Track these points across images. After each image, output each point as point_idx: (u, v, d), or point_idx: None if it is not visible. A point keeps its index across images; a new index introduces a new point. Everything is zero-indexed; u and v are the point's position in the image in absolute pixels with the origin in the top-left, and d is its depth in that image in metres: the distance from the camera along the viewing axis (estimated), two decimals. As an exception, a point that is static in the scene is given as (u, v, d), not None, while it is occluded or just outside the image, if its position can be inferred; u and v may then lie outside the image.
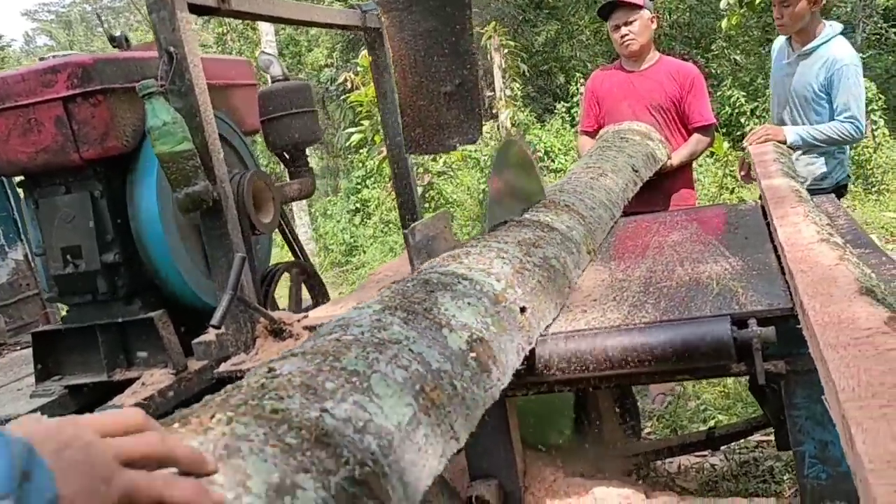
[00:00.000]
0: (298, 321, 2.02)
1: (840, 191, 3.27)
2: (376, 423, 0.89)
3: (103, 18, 32.79)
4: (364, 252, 9.11)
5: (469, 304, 1.28)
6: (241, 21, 12.16)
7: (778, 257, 1.74)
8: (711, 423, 3.40)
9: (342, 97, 10.81)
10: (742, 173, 3.35)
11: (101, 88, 2.24)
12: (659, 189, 3.26)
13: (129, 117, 2.29)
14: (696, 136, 3.41)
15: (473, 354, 1.17)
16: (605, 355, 1.46)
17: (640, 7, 3.24)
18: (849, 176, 3.32)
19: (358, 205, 10.05)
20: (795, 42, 3.19)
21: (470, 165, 9.04)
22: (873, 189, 8.34)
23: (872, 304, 1.19)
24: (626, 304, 1.64)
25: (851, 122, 3.02)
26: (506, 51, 9.96)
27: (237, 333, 2.03)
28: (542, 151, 9.74)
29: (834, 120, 3.06)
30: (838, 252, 1.47)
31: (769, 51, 10.02)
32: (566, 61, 13.85)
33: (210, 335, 2.12)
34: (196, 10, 1.89)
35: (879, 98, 8.90)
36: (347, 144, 9.29)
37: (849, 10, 16.28)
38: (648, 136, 3.22)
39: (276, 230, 2.84)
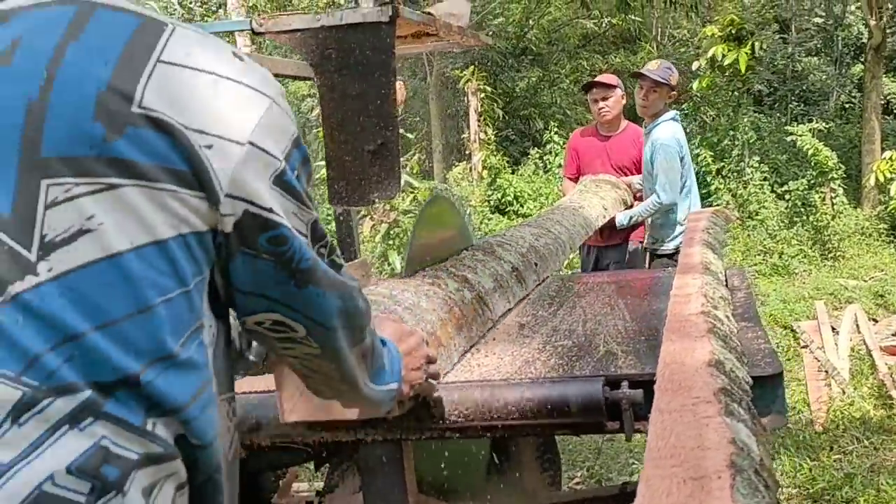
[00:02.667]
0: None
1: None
2: (482, 284, 1.99)
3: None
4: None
5: (510, 253, 2.33)
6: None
7: (670, 324, 1.87)
8: (637, 476, 3.51)
9: (318, 129, 10.97)
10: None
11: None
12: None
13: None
14: None
15: (515, 273, 2.25)
16: (490, 408, 1.57)
17: (614, 87, 4.17)
18: None
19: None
20: (647, 122, 3.96)
21: (440, 205, 9.19)
22: (829, 255, 8.58)
23: (714, 375, 1.31)
24: (521, 358, 1.76)
25: (656, 195, 3.83)
26: (482, 95, 10.19)
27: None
28: (512, 196, 9.93)
29: (648, 198, 3.92)
30: (709, 325, 1.60)
31: (738, 112, 10.33)
32: (546, 107, 14.17)
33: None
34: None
35: (840, 167, 9.19)
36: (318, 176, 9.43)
37: (823, 77, 16.84)
38: (617, 186, 4.09)
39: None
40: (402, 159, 8.53)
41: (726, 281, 2.39)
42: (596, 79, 4.35)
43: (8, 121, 0.66)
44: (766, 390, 1.52)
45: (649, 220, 4.05)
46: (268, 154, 0.74)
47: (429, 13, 2.10)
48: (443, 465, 2.13)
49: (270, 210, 0.75)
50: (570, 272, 6.76)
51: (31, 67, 0.67)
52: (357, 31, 1.81)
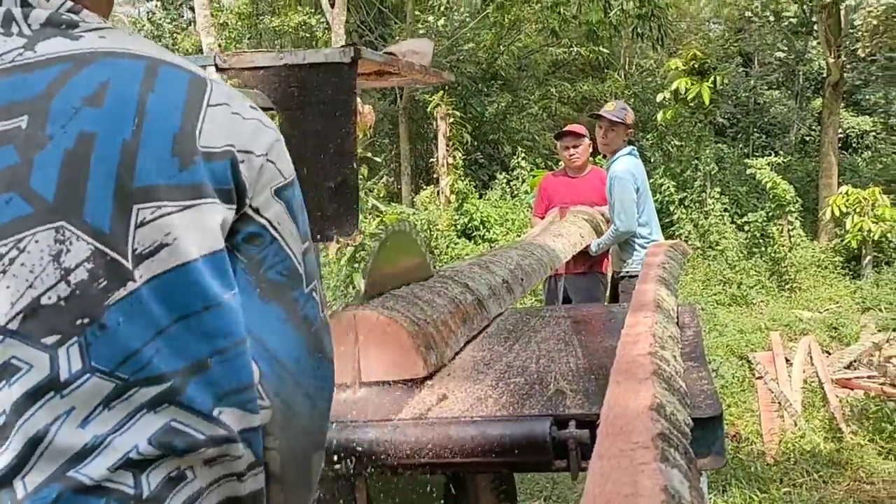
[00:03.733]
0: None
1: None
2: (479, 290, 2.36)
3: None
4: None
5: (500, 268, 2.65)
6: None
7: (620, 363, 1.91)
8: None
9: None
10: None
11: None
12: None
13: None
14: None
15: (505, 284, 2.59)
16: (440, 446, 1.60)
17: (583, 136, 4.72)
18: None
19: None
20: (608, 157, 4.38)
21: (406, 228, 9.21)
22: (786, 286, 8.77)
23: (655, 419, 1.35)
24: (473, 396, 1.79)
25: (614, 224, 4.23)
26: (451, 120, 10.28)
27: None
28: (479, 220, 10.00)
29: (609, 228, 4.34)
30: (654, 367, 1.65)
31: (700, 144, 10.51)
32: (514, 133, 14.32)
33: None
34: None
35: (797, 200, 9.41)
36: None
37: (784, 110, 17.26)
38: (593, 216, 4.53)
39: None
40: (369, 182, 8.53)
41: (678, 318, 2.45)
42: (566, 128, 4.88)
43: (106, 154, 0.82)
44: (706, 432, 1.57)
45: (613, 248, 4.39)
46: (277, 169, 0.92)
47: (391, 53, 2.14)
48: (399, 498, 2.15)
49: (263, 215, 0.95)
50: (534, 301, 6.82)
51: (122, 112, 0.84)
52: (319, 70, 1.85)
